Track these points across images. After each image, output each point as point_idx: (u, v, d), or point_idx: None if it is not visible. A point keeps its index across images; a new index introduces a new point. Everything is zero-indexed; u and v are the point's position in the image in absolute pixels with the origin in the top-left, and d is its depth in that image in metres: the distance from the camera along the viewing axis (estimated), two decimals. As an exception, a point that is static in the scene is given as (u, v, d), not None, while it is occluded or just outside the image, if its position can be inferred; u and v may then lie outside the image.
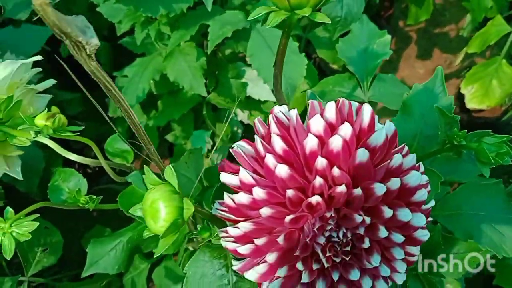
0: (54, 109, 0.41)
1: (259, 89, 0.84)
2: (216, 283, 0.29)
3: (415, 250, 0.26)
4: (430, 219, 0.27)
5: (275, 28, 0.64)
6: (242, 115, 0.94)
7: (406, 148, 0.26)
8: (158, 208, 0.24)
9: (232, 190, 0.26)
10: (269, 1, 0.62)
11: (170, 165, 0.24)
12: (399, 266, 0.25)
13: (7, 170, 0.48)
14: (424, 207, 0.26)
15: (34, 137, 0.39)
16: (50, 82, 0.49)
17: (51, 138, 0.42)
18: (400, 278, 0.26)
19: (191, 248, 0.71)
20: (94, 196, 0.50)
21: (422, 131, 0.37)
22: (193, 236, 0.48)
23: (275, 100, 0.87)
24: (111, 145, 0.51)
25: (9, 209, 0.42)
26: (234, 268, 0.27)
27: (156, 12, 0.57)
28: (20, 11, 0.75)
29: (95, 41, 0.19)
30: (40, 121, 0.39)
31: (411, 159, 0.25)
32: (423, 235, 0.25)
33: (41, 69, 0.48)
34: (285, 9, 0.28)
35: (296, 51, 0.60)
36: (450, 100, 0.36)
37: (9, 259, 0.41)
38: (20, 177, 0.48)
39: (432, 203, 0.26)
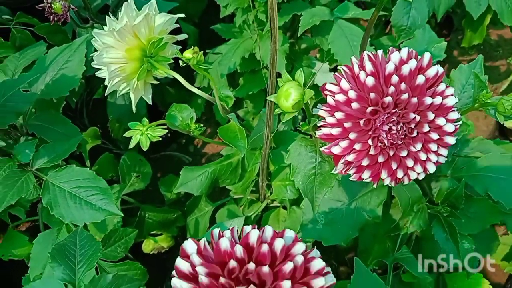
0: (196, 48, 0.58)
1: (325, 80, 1.00)
2: (307, 160, 0.44)
3: (443, 152, 0.40)
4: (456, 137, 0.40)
5: (351, 24, 0.80)
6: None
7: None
8: (290, 92, 0.40)
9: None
10: (351, 2, 0.78)
11: (300, 69, 0.40)
12: (432, 157, 0.40)
13: (143, 94, 0.64)
14: (454, 124, 0.40)
15: (183, 64, 0.56)
16: (184, 35, 0.66)
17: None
18: (431, 168, 0.40)
19: (254, 198, 0.86)
20: (202, 125, 0.66)
21: (460, 99, 0.52)
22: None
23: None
24: (218, 91, 0.67)
25: (145, 119, 0.58)
26: (323, 148, 0.42)
27: (264, -1, 0.74)
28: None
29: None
30: (188, 54, 0.56)
31: (451, 89, 0.39)
32: (450, 140, 0.40)
33: (178, 25, 0.65)
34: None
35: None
36: (485, 78, 0.50)
37: (145, 150, 0.56)
38: (150, 102, 0.65)
39: (460, 122, 0.40)
